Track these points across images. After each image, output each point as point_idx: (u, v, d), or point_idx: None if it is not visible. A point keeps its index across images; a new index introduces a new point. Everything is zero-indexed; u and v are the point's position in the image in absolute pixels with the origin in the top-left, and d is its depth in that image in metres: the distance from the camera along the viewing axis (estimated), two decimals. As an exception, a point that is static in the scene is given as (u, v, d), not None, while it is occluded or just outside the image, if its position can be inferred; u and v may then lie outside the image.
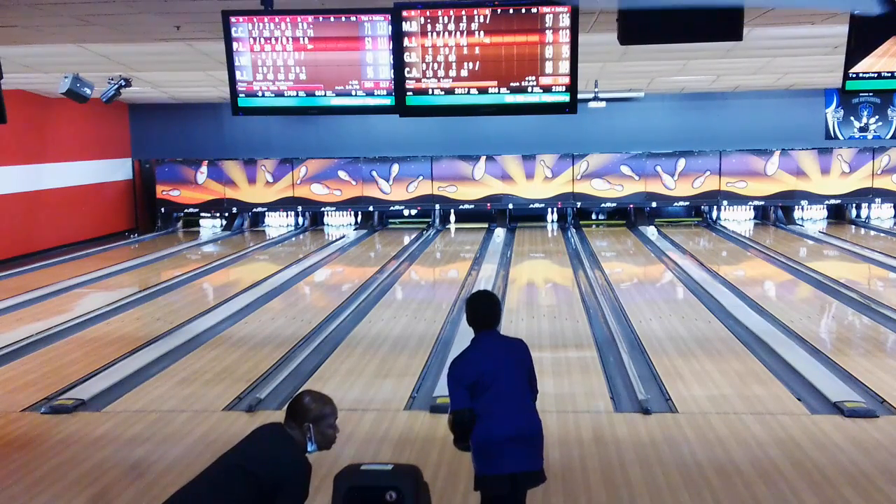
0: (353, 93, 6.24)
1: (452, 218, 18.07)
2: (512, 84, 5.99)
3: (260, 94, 6.31)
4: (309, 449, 3.19)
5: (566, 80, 5.95)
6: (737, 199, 17.39)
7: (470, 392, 3.58)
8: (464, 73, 5.98)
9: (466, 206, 17.64)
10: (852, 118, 17.33)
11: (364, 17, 6.06)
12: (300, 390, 3.33)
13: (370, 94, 6.22)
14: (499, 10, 5.81)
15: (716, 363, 7.14)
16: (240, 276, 12.65)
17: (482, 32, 5.88)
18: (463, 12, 5.84)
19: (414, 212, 18.04)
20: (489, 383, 3.57)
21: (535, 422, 3.65)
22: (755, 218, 17.67)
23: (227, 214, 18.20)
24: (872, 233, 16.16)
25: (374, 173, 17.66)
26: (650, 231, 16.50)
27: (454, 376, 3.63)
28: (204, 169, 17.95)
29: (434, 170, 17.51)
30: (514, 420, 3.57)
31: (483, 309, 3.77)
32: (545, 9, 5.77)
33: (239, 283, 11.77)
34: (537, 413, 3.70)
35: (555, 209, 17.87)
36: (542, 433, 3.68)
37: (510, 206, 17.64)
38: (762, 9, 7.23)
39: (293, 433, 3.17)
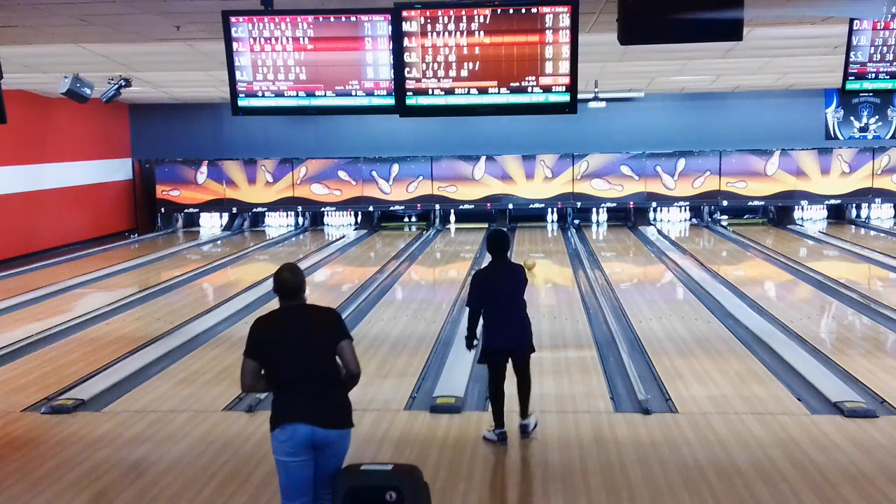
0: (353, 93, 6.24)
1: (452, 218, 18.07)
2: (512, 84, 5.99)
3: (260, 94, 6.32)
4: None
5: (566, 80, 5.95)
6: (737, 199, 17.39)
7: (481, 296, 5.28)
8: (464, 73, 5.98)
9: (466, 206, 17.63)
10: (852, 118, 17.33)
11: (364, 17, 6.07)
12: (276, 273, 3.73)
13: (370, 94, 6.23)
14: (499, 10, 5.81)
15: (716, 363, 7.14)
16: (240, 276, 12.65)
17: (482, 32, 5.88)
18: (463, 12, 5.84)
19: (414, 218, 18.05)
20: (496, 294, 5.26)
21: (524, 325, 5.35)
22: (755, 218, 17.67)
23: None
24: (872, 233, 16.15)
25: (374, 173, 17.66)
26: (650, 231, 16.50)
27: (474, 283, 5.36)
28: (204, 169, 17.94)
29: (434, 170, 17.50)
30: (510, 323, 5.28)
31: (498, 242, 5.36)
32: (545, 9, 5.77)
33: (239, 283, 11.77)
34: (527, 317, 5.37)
35: (555, 209, 17.86)
36: (530, 328, 5.41)
37: (510, 206, 17.62)
38: (762, 11, 7.23)
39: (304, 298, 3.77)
